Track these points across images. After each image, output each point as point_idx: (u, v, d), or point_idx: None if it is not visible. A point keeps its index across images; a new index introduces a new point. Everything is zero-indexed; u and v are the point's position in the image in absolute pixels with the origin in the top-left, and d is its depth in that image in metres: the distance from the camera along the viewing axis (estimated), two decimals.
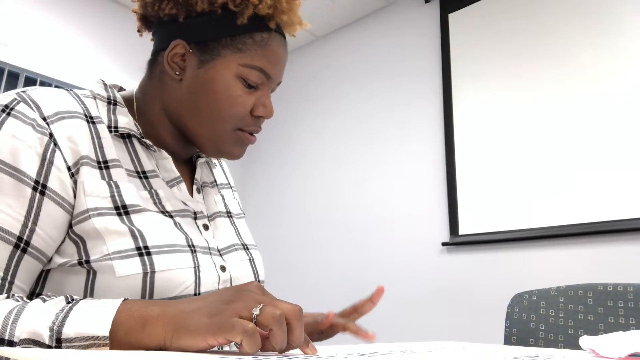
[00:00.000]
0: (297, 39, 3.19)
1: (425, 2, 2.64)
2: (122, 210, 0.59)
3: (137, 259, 0.56)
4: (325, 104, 3.05)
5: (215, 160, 0.88)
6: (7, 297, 0.52)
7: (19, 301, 0.51)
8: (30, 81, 2.50)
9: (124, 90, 0.75)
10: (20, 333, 0.45)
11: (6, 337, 0.45)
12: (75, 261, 0.56)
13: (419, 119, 2.54)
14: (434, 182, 2.39)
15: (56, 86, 2.56)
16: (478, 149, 2.25)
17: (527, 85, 2.15)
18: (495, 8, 2.34)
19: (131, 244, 0.57)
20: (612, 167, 1.85)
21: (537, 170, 2.04)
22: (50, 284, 0.57)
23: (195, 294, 0.60)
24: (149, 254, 0.57)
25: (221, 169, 0.90)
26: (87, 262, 0.55)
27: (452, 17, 2.49)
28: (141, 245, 0.57)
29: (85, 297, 0.55)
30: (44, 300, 0.49)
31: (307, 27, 0.78)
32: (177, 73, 0.67)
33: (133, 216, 0.59)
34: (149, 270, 0.56)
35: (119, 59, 2.76)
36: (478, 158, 2.24)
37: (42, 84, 2.55)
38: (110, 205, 0.58)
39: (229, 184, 0.89)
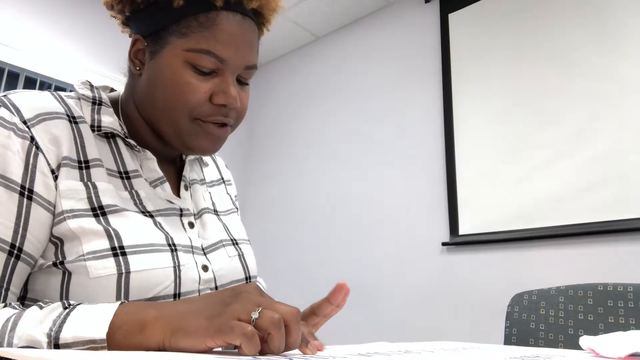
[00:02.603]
0: (297, 39, 3.19)
1: (425, 2, 2.64)
2: (98, 211, 0.58)
3: (112, 259, 0.55)
4: (325, 104, 3.05)
5: (206, 159, 0.86)
6: (5, 306, 0.52)
7: (16, 309, 0.51)
8: (30, 81, 2.50)
9: (115, 91, 0.75)
10: (18, 341, 0.45)
11: (4, 346, 0.45)
12: (51, 262, 0.56)
13: (419, 118, 2.54)
14: (434, 182, 2.39)
15: (56, 86, 2.56)
16: (478, 149, 2.25)
17: (528, 85, 2.15)
18: (495, 8, 2.34)
19: (106, 244, 0.56)
20: (612, 167, 1.85)
21: (537, 170, 2.04)
22: (33, 286, 0.57)
23: (175, 294, 0.60)
24: (124, 254, 0.56)
25: (215, 166, 0.88)
26: (62, 263, 0.55)
27: (452, 17, 2.49)
28: (116, 245, 0.56)
29: (61, 298, 0.55)
30: (41, 307, 0.49)
31: (282, 1, 0.71)
32: (138, 68, 0.66)
33: (110, 216, 0.58)
34: (123, 271, 0.55)
35: (120, 59, 2.76)
36: (478, 158, 2.24)
37: (42, 84, 2.55)
38: (87, 206, 0.58)
39: (222, 179, 0.88)
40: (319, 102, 3.09)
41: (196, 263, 0.65)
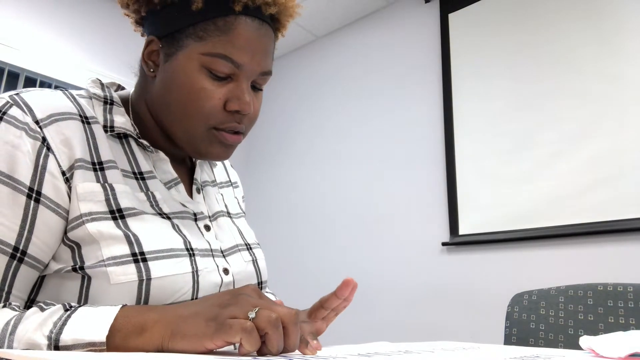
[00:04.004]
0: (297, 39, 3.19)
1: (425, 2, 2.64)
2: (117, 214, 0.57)
3: (133, 265, 0.55)
4: (325, 104, 3.05)
5: None
6: (4, 307, 0.51)
7: (16, 310, 0.50)
8: (30, 81, 2.50)
9: (123, 89, 0.74)
10: (17, 345, 0.45)
11: (4, 349, 0.45)
12: (70, 267, 0.55)
13: (419, 118, 2.54)
14: (434, 182, 2.39)
15: (56, 86, 2.56)
16: (478, 149, 2.25)
17: (527, 85, 2.15)
18: (495, 8, 2.34)
19: (126, 250, 0.55)
20: (612, 167, 1.85)
21: (537, 170, 2.04)
22: (46, 289, 0.56)
23: (192, 299, 0.59)
24: (144, 260, 0.55)
25: (223, 167, 0.88)
26: (82, 268, 0.54)
27: (452, 17, 2.49)
28: (137, 251, 0.55)
29: (80, 303, 0.54)
30: (42, 309, 0.48)
31: (300, 7, 0.70)
32: (152, 70, 0.65)
33: (129, 220, 0.57)
34: (144, 278, 0.55)
35: (118, 59, 2.76)
36: (478, 158, 2.24)
37: (42, 84, 2.55)
38: (105, 209, 0.57)
39: (230, 181, 0.87)
40: (319, 102, 3.09)
41: (217, 266, 0.64)
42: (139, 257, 0.55)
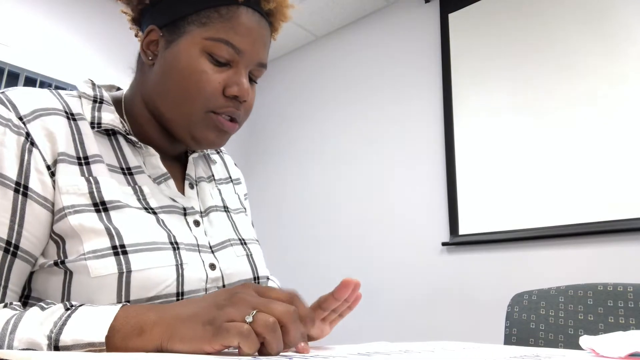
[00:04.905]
0: (297, 38, 3.19)
1: (425, 2, 2.64)
2: (100, 206, 0.58)
3: (113, 258, 0.55)
4: (325, 104, 3.05)
5: (214, 157, 0.85)
6: (5, 306, 0.51)
7: (16, 309, 0.50)
8: (30, 81, 2.50)
9: (120, 90, 0.74)
10: (18, 344, 0.45)
11: (4, 349, 0.45)
12: (52, 262, 0.55)
13: (419, 118, 2.54)
14: (434, 182, 2.39)
15: (56, 86, 2.56)
16: (478, 149, 2.25)
17: (527, 85, 2.15)
18: (495, 8, 2.34)
19: (107, 243, 0.55)
20: (612, 167, 1.85)
21: (537, 170, 2.04)
22: (35, 285, 0.57)
23: (177, 293, 0.59)
24: (125, 252, 0.56)
25: (223, 164, 0.88)
26: (63, 262, 0.55)
27: (452, 17, 2.49)
28: (117, 244, 0.56)
29: (62, 298, 0.55)
30: (43, 308, 0.49)
31: (294, 7, 0.73)
32: (150, 59, 0.67)
33: (112, 213, 0.58)
34: (124, 270, 0.55)
35: (119, 59, 2.76)
36: (478, 158, 2.24)
37: (42, 84, 2.55)
38: (89, 201, 0.57)
39: (230, 177, 0.87)
40: (319, 102, 3.09)
41: (203, 261, 0.64)
42: (119, 250, 0.56)
